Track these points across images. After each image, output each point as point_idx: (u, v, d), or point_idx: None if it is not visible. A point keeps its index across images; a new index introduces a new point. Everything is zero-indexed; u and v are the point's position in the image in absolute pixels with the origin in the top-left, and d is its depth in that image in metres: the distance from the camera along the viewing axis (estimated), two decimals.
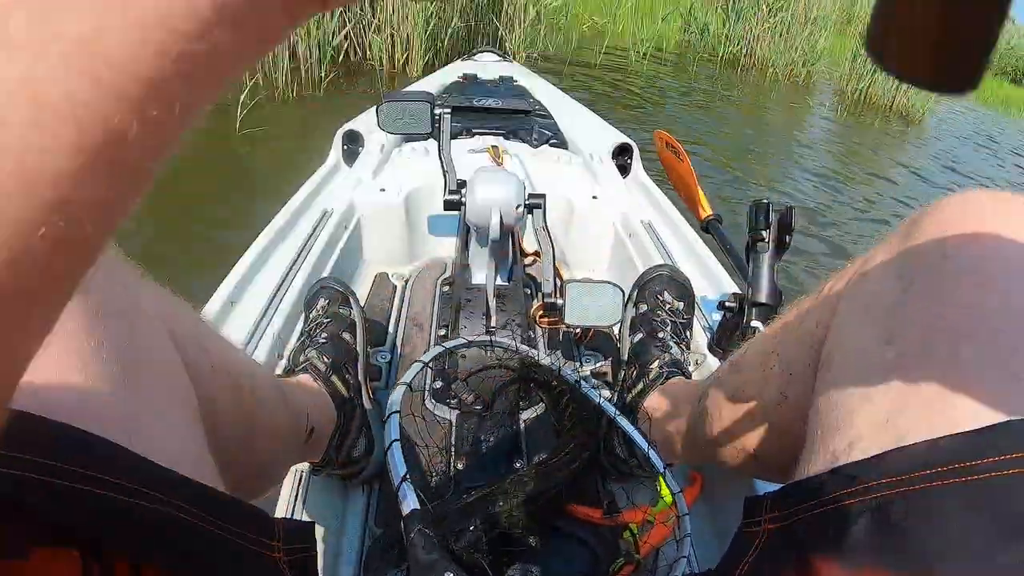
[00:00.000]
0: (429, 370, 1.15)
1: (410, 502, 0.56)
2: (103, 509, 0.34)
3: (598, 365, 1.25)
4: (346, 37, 4.86)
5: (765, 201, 1.05)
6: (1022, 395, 0.38)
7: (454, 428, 1.01)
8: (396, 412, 0.65)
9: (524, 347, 0.94)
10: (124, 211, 0.17)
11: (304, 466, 0.95)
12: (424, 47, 5.05)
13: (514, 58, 3.91)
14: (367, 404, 0.95)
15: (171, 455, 0.39)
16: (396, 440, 0.61)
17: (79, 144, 0.14)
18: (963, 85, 0.19)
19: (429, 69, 3.79)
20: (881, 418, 0.42)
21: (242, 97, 3.50)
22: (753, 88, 7.41)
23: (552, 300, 1.11)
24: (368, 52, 5.15)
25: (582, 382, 0.92)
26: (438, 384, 1.10)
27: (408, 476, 0.57)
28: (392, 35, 5.02)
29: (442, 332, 1.25)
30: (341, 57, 4.87)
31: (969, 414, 0.38)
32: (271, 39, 0.18)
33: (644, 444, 0.84)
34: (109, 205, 0.17)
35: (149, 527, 0.36)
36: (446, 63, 2.83)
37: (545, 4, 6.29)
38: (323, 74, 4.48)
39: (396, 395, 0.69)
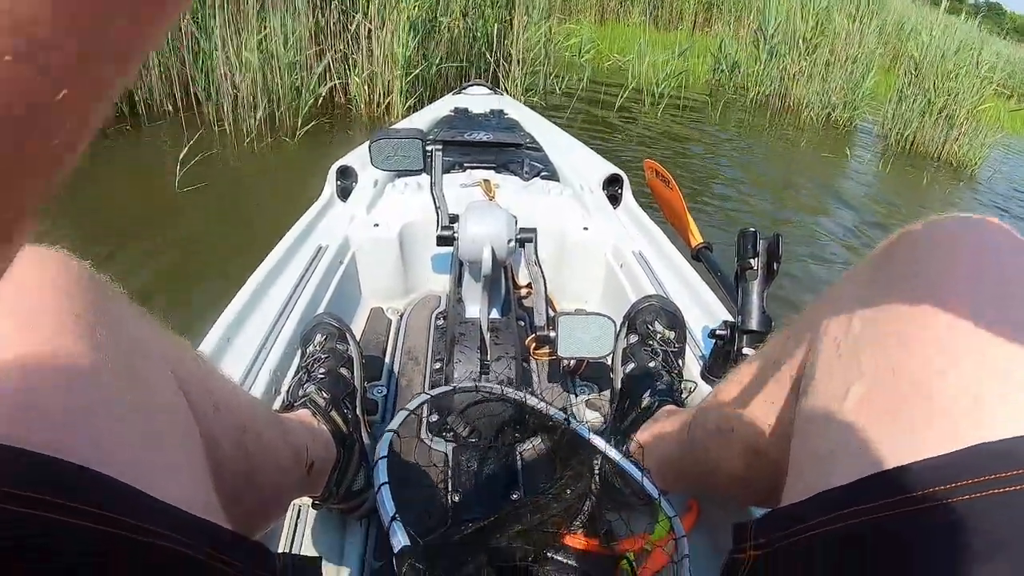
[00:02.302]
0: (424, 405, 1.16)
1: (400, 539, 0.57)
2: (116, 547, 0.35)
3: (592, 396, 1.26)
4: (331, 78, 4.74)
5: (752, 229, 1.07)
6: (991, 421, 0.39)
7: (450, 461, 1.02)
8: (384, 457, 0.68)
9: (509, 390, 0.94)
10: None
11: (303, 500, 0.95)
12: (405, 89, 4.85)
13: (507, 92, 3.94)
14: (365, 439, 0.96)
15: (178, 494, 0.40)
16: (385, 483, 0.64)
17: None
18: None
19: (412, 112, 3.76)
20: (855, 448, 0.44)
21: (182, 154, 3.40)
22: (792, 131, 6.75)
23: (545, 333, 1.13)
24: (348, 94, 4.98)
25: (571, 419, 0.93)
26: (434, 417, 1.11)
27: (397, 516, 0.60)
28: (372, 77, 4.85)
29: (437, 366, 1.26)
30: (320, 101, 4.75)
31: (940, 441, 0.40)
32: None
33: (637, 475, 0.85)
34: None
35: (159, 565, 0.37)
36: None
37: (556, 42, 5.94)
38: (300, 121, 4.35)
39: (384, 441, 0.71)
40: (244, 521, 0.64)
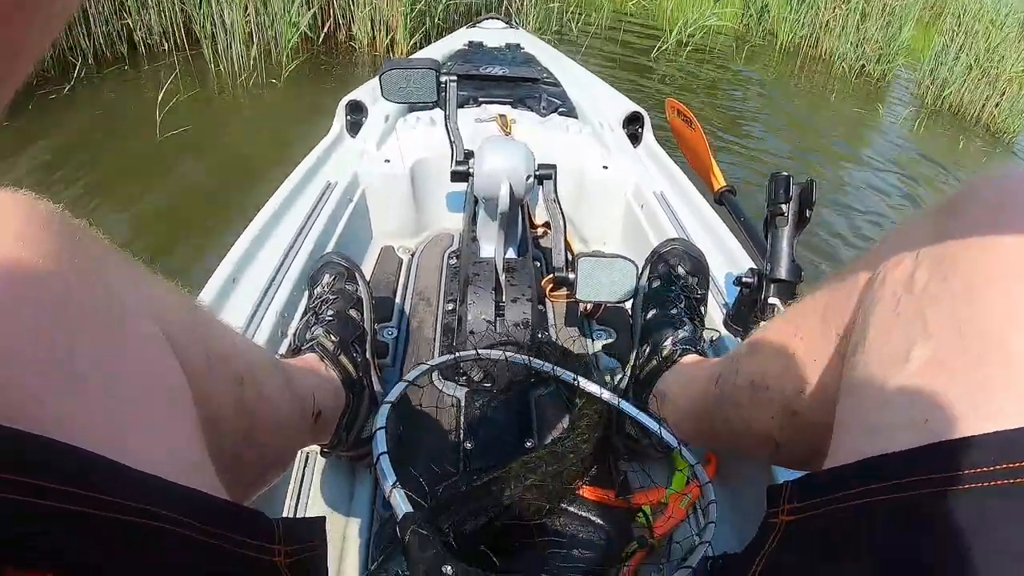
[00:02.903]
0: (436, 348, 1.13)
1: (403, 507, 0.55)
2: (83, 528, 0.31)
3: (610, 341, 1.22)
4: (316, 15, 4.52)
5: (785, 174, 1.01)
6: None
7: (462, 406, 0.99)
8: (382, 428, 0.65)
9: (514, 355, 0.90)
10: None
11: (311, 448, 0.93)
12: (410, 26, 4.61)
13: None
14: (376, 384, 0.92)
15: (162, 462, 0.36)
16: (384, 453, 0.61)
17: None
18: None
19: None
20: (917, 416, 0.39)
21: (160, 96, 3.31)
22: (823, 81, 6.29)
23: (563, 275, 1.08)
24: (351, 30, 4.76)
25: (578, 380, 0.90)
26: None
27: (398, 483, 0.57)
28: (373, 12, 4.60)
29: (450, 307, 1.22)
30: (321, 37, 4.58)
31: (1014, 412, 0.35)
32: None
33: (654, 427, 0.82)
34: None
35: (136, 546, 0.33)
36: None
37: None
38: (286, 59, 4.18)
39: (381, 413, 0.68)
40: (244, 480, 0.60)
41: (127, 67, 4.02)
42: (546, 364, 0.90)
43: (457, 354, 0.85)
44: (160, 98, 3.29)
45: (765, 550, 0.46)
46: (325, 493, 0.90)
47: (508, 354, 0.89)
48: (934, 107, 6.04)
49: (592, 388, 0.89)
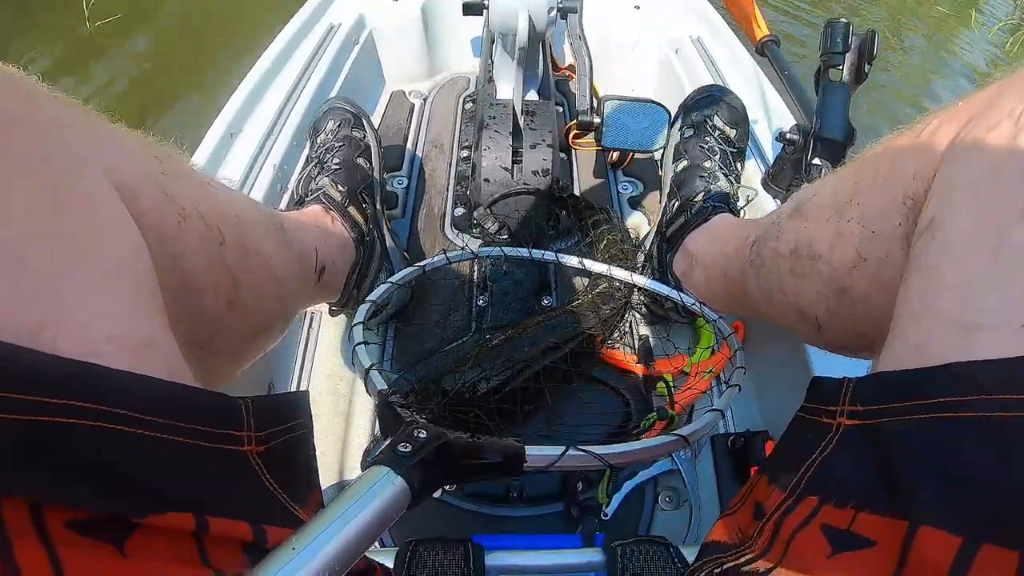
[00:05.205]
0: (449, 198, 1.06)
1: (378, 385, 0.55)
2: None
3: (637, 193, 1.14)
4: None
5: (844, 20, 0.89)
6: None
7: (477, 261, 0.93)
8: (360, 324, 0.65)
9: (513, 250, 0.84)
10: None
11: (316, 309, 0.89)
12: None
13: None
14: (387, 237, 0.86)
15: (104, 345, 0.30)
16: (361, 343, 0.62)
17: None
18: None
19: None
20: (1011, 314, 0.32)
21: None
22: None
23: (587, 119, 0.99)
24: None
25: (585, 262, 0.87)
26: (459, 212, 1.01)
27: (373, 366, 0.58)
28: None
29: (464, 154, 1.14)
30: None
31: None
32: None
33: (675, 295, 0.77)
34: None
35: (56, 451, 0.27)
36: None
37: None
38: None
39: (361, 311, 0.66)
40: (229, 348, 0.54)
41: None
42: (547, 253, 0.85)
43: (448, 253, 0.81)
44: None
45: (817, 454, 0.39)
46: (327, 355, 0.86)
47: (505, 248, 0.84)
48: None
49: (600, 268, 0.84)
